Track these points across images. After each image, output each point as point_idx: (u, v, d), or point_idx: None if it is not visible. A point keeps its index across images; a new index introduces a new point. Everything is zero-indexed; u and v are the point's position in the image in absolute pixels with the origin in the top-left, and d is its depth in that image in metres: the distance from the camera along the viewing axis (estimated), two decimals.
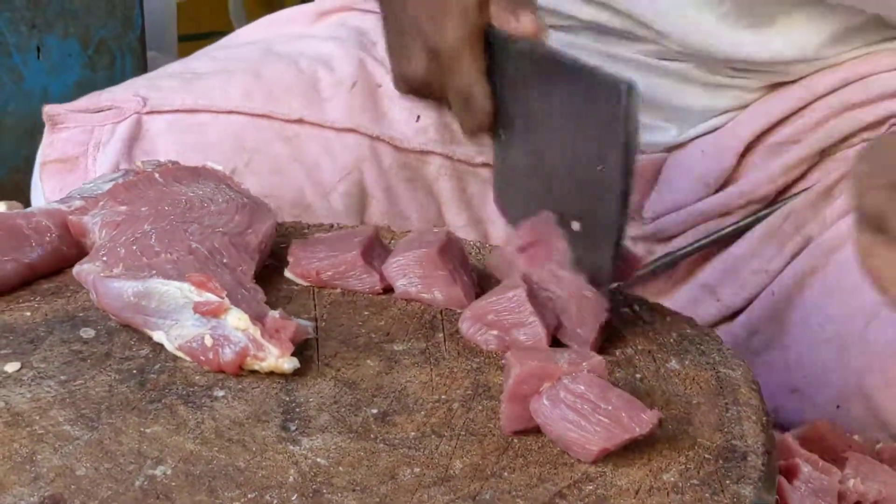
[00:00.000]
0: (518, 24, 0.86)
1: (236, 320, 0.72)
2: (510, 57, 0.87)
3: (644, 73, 1.12)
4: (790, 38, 1.11)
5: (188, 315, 0.73)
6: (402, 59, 0.93)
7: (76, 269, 0.80)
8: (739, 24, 1.10)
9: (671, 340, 0.81)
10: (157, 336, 0.75)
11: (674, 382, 0.76)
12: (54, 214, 0.87)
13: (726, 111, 1.17)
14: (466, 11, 0.87)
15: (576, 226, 0.82)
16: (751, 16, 1.10)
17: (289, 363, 0.72)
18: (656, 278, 1.15)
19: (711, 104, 1.17)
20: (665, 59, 1.14)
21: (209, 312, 0.72)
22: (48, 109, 1.12)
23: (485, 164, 1.14)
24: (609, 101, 0.77)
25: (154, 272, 0.76)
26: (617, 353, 0.79)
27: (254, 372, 0.73)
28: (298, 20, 1.26)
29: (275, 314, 0.75)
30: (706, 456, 0.68)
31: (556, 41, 1.13)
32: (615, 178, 0.78)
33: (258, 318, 0.73)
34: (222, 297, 0.73)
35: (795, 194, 1.16)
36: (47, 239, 0.85)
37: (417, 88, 0.94)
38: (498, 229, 1.15)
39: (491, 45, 0.88)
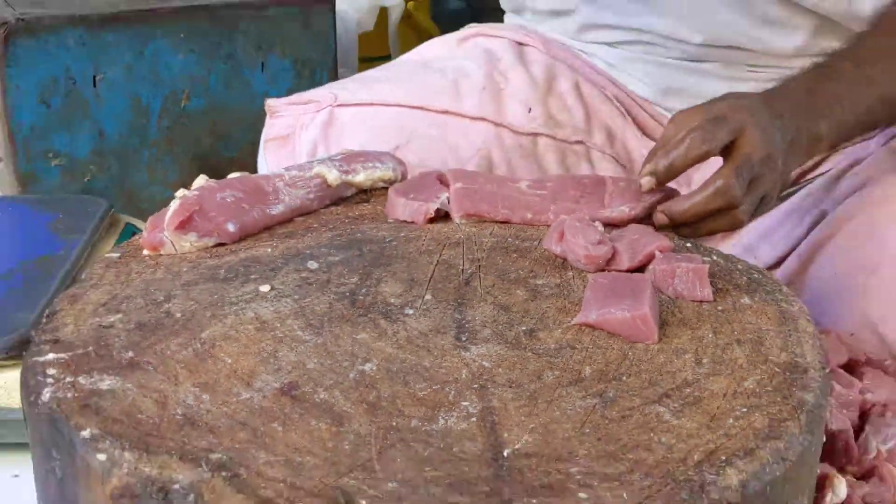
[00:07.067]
0: None
1: None
2: None
3: (677, 73, 1.18)
4: (793, 35, 1.13)
5: None
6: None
7: None
8: (759, 23, 1.12)
9: (743, 282, 0.82)
10: None
11: (747, 314, 0.77)
12: (287, 178, 0.92)
13: None
14: None
15: None
16: (773, 18, 1.12)
17: None
18: (707, 239, 1.15)
19: None
20: (696, 60, 1.17)
21: None
22: (269, 102, 1.20)
23: (578, 142, 1.19)
24: None
25: None
26: None
27: (435, 295, 0.77)
28: (446, 45, 1.32)
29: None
30: (776, 370, 0.70)
31: (610, 56, 1.23)
32: None
33: None
34: None
35: (812, 179, 1.18)
36: (284, 197, 0.90)
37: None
38: None
39: None
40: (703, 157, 0.88)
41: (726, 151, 0.89)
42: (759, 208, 0.93)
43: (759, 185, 0.90)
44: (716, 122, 0.89)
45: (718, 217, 0.90)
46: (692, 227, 0.91)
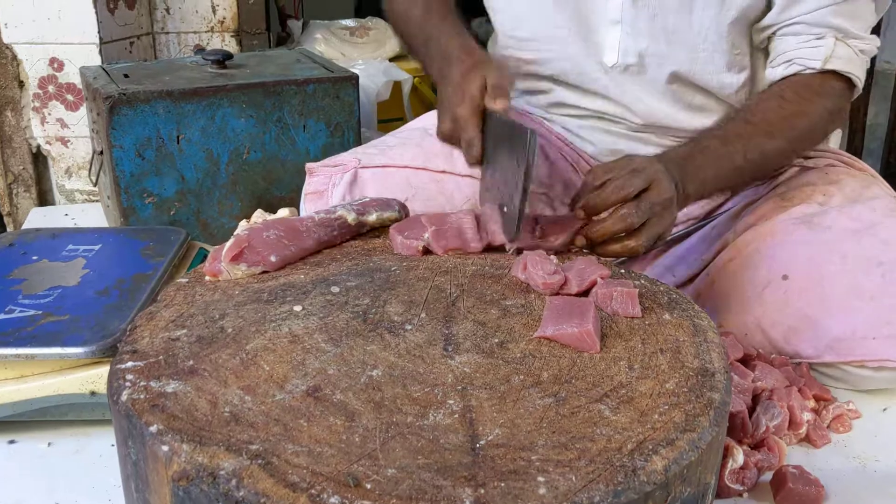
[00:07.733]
0: (495, 104, 0.87)
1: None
2: (492, 122, 0.88)
3: (621, 140, 1.13)
4: (710, 117, 1.09)
5: None
6: (440, 120, 0.92)
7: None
8: (684, 109, 1.09)
9: (664, 301, 0.78)
10: None
11: (668, 327, 0.73)
12: (316, 220, 0.88)
13: None
14: (473, 98, 0.88)
15: (504, 209, 0.85)
16: (692, 105, 1.09)
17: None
18: (635, 262, 1.12)
19: None
20: (637, 132, 1.13)
21: None
22: (308, 165, 1.15)
23: (543, 193, 1.13)
24: (521, 141, 0.80)
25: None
26: None
27: (428, 314, 0.72)
28: None
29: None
30: (691, 374, 0.66)
31: (569, 124, 1.17)
32: (522, 183, 0.81)
33: None
34: None
35: (717, 215, 1.14)
36: (314, 234, 0.86)
37: (446, 138, 0.92)
38: None
39: (485, 116, 0.88)
40: (622, 200, 0.87)
41: (639, 194, 0.87)
42: (656, 243, 0.91)
43: (657, 223, 0.88)
44: (633, 173, 0.88)
45: (619, 241, 0.88)
46: (601, 246, 0.88)
